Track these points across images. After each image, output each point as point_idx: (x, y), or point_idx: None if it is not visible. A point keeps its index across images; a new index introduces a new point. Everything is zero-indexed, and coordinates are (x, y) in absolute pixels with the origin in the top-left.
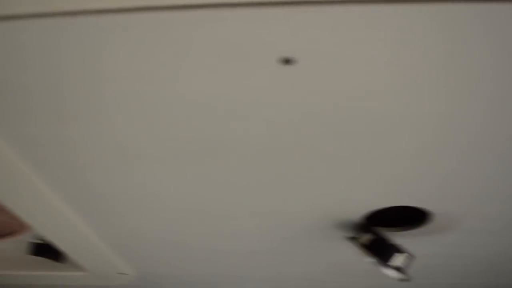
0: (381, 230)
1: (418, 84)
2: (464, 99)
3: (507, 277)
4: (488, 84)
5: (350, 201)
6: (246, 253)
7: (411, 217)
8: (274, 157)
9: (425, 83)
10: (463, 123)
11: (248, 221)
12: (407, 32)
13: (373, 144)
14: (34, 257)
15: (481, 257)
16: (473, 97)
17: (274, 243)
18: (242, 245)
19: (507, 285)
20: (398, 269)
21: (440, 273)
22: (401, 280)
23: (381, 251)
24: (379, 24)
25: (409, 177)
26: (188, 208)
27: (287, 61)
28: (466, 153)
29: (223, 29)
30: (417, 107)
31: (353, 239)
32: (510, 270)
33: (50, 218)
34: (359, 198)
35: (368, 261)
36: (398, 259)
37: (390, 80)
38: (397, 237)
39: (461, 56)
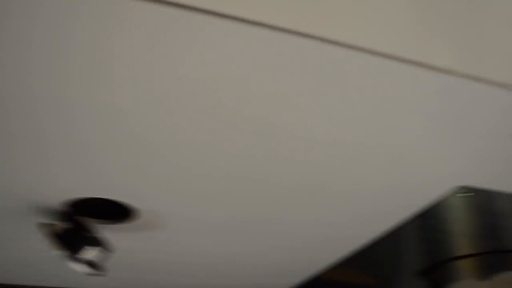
0: (86, 220)
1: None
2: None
3: (224, 277)
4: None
5: (49, 186)
6: None
7: (121, 212)
8: None
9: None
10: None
11: None
12: None
13: (68, 131)
14: None
15: (191, 256)
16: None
17: None
18: None
19: (224, 285)
20: (90, 263)
21: (151, 269)
22: (93, 274)
23: (74, 242)
24: None
25: (110, 171)
26: None
27: None
28: (174, 157)
29: None
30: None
31: (46, 225)
32: (224, 271)
33: None
34: (58, 184)
35: (55, 252)
36: (90, 253)
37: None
38: (104, 231)
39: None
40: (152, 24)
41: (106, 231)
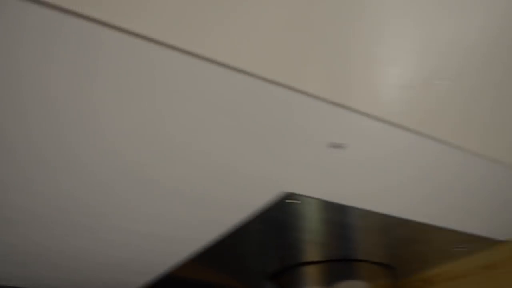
0: None
1: None
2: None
3: (64, 272)
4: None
5: None
6: None
7: None
8: None
9: None
10: None
11: None
12: None
13: None
14: None
15: (22, 247)
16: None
17: None
18: None
19: (68, 280)
20: None
21: None
22: None
23: None
24: None
25: None
26: None
27: None
28: None
29: None
30: None
31: None
32: (63, 266)
33: None
34: None
35: None
36: None
37: None
38: None
39: None
40: None
41: None
